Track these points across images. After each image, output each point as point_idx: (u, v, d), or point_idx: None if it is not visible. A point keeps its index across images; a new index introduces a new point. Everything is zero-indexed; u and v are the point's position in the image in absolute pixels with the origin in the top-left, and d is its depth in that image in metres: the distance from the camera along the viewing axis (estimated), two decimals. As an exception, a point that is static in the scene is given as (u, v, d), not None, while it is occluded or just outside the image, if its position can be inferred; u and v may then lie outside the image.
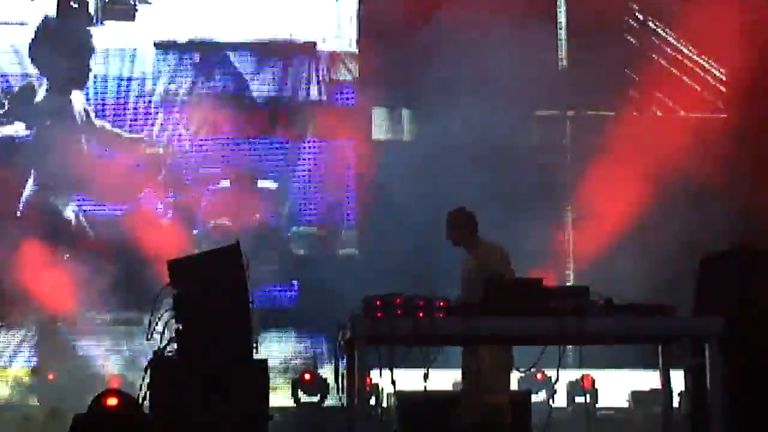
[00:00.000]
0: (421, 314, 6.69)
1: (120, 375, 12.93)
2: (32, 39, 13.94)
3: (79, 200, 13.81)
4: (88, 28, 13.97)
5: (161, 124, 14.10)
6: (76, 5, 13.87)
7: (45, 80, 13.97)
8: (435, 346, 7.18)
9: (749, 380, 7.35)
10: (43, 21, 13.94)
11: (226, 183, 14.08)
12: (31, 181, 13.74)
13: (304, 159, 14.04)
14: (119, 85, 14.11)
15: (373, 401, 11.40)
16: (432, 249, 12.65)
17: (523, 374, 8.99)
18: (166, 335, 7.55)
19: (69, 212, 13.80)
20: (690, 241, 11.34)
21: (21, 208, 13.71)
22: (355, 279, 12.44)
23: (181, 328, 7.52)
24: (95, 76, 14.10)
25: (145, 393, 7.47)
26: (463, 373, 8.74)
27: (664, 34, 14.06)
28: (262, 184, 14.04)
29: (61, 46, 13.83)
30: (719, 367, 6.80)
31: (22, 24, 14.07)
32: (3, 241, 13.06)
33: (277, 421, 7.93)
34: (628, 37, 14.07)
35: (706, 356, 6.83)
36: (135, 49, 14.11)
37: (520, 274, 8.38)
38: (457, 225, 8.82)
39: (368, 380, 10.11)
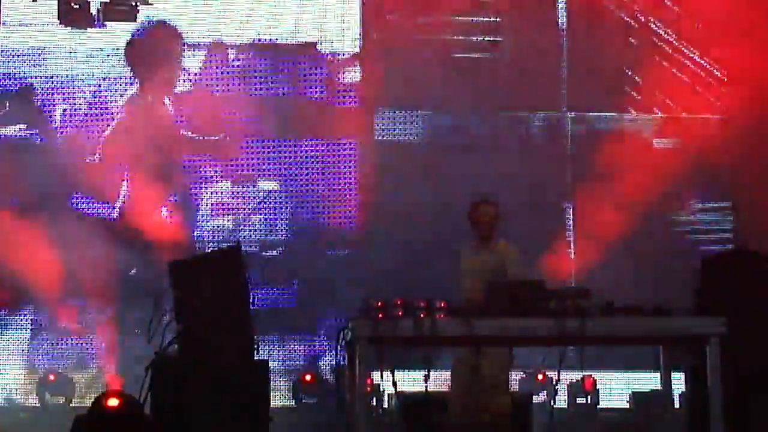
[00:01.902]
0: (421, 315, 6.70)
1: (121, 376, 12.93)
2: (129, 40, 13.96)
3: (77, 199, 13.80)
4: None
5: (162, 125, 14.09)
6: (77, 6, 13.86)
7: (137, 82, 14.00)
8: (436, 346, 7.19)
9: (749, 381, 7.36)
10: (141, 23, 13.96)
11: (227, 183, 14.07)
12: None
13: (305, 159, 14.03)
14: (119, 86, 14.11)
15: (374, 402, 11.40)
16: (433, 250, 12.68)
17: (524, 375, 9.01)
18: (167, 336, 7.56)
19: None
20: (690, 243, 11.34)
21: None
22: (356, 279, 12.45)
23: (182, 329, 7.53)
24: (96, 78, 14.11)
25: (146, 394, 7.48)
26: (454, 368, 8.65)
27: (664, 35, 14.06)
28: (263, 184, 14.04)
29: (156, 49, 13.84)
30: (719, 368, 6.81)
31: (22, 25, 14.08)
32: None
33: (278, 422, 7.92)
34: (630, 39, 14.06)
35: (707, 357, 6.83)
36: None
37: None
38: (498, 215, 8.78)
39: (369, 381, 10.12)
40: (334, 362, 7.21)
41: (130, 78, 14.07)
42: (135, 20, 13.95)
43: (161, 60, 13.93)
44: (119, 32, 14.00)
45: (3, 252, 12.85)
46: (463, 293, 8.36)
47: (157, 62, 13.91)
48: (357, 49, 14.06)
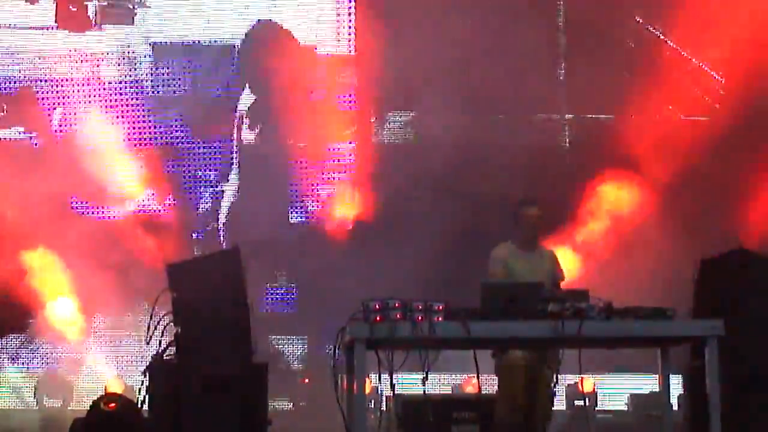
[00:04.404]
0: (419, 318, 6.70)
1: (119, 378, 12.92)
2: (243, 41, 13.95)
3: (76, 201, 13.79)
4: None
5: (161, 127, 14.08)
6: (74, 9, 13.86)
7: (246, 84, 14.00)
8: (434, 349, 7.18)
9: (748, 383, 7.36)
10: (256, 25, 13.97)
11: (225, 185, 14.07)
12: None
13: (303, 161, 14.03)
14: (118, 88, 14.11)
15: (372, 405, 11.39)
16: (433, 252, 12.68)
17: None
18: (165, 339, 7.55)
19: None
20: (689, 244, 11.33)
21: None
22: (355, 282, 12.44)
23: (179, 331, 7.53)
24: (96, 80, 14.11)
25: (144, 396, 7.47)
26: (507, 369, 8.56)
27: (662, 38, 14.06)
28: (262, 185, 14.04)
29: (269, 51, 13.84)
30: (718, 370, 6.80)
31: (22, 27, 14.08)
32: None
33: (276, 426, 7.92)
34: (629, 42, 14.06)
35: (705, 359, 6.83)
36: (134, 52, 14.11)
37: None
38: (543, 216, 8.77)
39: (367, 384, 10.11)
40: (332, 365, 7.17)
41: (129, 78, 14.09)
42: (132, 23, 13.95)
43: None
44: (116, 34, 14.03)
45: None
46: None
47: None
48: (352, 52, 14.06)
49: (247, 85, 14.05)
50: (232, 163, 14.08)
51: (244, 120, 14.01)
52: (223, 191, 14.06)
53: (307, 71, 13.87)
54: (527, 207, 8.75)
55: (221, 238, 13.94)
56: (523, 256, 8.67)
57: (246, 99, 14.07)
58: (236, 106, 14.09)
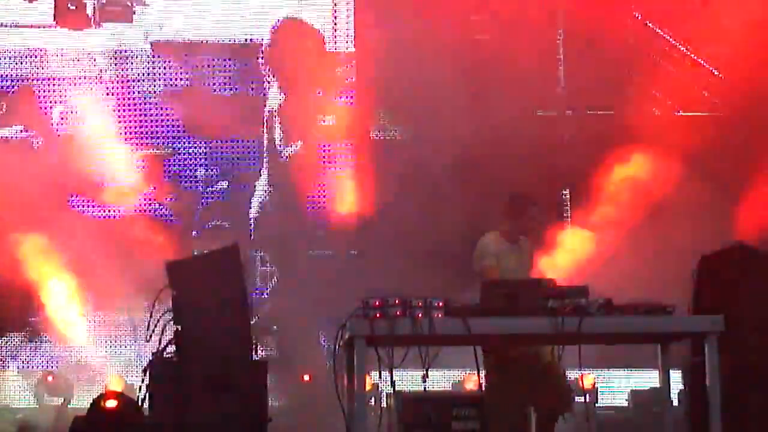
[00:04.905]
0: (419, 315, 6.70)
1: (119, 377, 12.92)
2: (269, 40, 13.94)
3: (75, 199, 13.80)
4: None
5: (159, 126, 14.08)
6: (73, 7, 13.85)
7: (275, 82, 13.98)
8: (434, 346, 7.18)
9: (748, 379, 7.36)
10: (281, 23, 13.96)
11: (224, 184, 14.07)
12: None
13: (303, 159, 14.03)
14: (117, 86, 14.10)
15: (372, 402, 11.39)
16: (432, 250, 12.68)
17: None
18: (165, 337, 7.56)
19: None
20: (688, 240, 11.32)
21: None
22: (354, 279, 12.44)
23: (180, 329, 7.53)
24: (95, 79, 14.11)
25: (145, 395, 7.47)
26: (515, 361, 8.45)
27: (662, 33, 14.05)
28: (261, 184, 14.03)
29: (298, 48, 13.83)
30: (718, 366, 6.81)
31: (19, 26, 14.07)
32: None
33: (276, 423, 7.92)
34: (628, 38, 14.06)
35: (705, 355, 6.83)
36: (132, 51, 14.11)
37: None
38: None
39: (367, 381, 10.11)
40: (332, 362, 7.18)
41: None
42: (131, 21, 13.95)
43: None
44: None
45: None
46: None
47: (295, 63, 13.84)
48: (352, 49, 14.06)
49: (276, 83, 14.00)
50: (232, 162, 14.09)
51: (275, 118, 13.97)
52: (223, 189, 14.06)
53: (327, 69, 13.88)
54: (533, 207, 8.72)
55: (251, 233, 13.92)
56: (510, 248, 8.63)
57: (275, 98, 14.02)
58: (236, 104, 14.09)
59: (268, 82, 14.03)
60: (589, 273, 12.05)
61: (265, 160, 14.01)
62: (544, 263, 11.70)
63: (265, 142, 14.00)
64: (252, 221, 13.94)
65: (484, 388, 8.42)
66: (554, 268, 12.07)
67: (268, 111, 13.99)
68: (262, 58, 14.00)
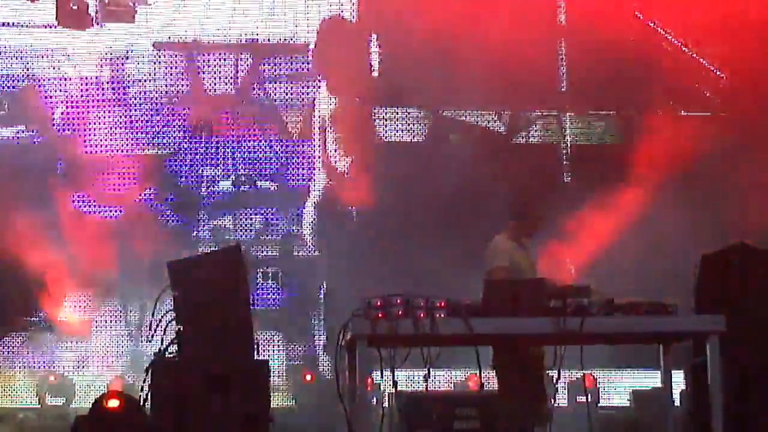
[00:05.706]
0: (421, 314, 6.69)
1: (121, 377, 12.93)
2: (317, 40, 13.92)
3: (76, 200, 13.80)
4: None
5: (160, 125, 14.10)
6: (75, 7, 13.86)
7: (324, 82, 13.95)
8: (436, 346, 7.18)
9: (750, 379, 7.35)
10: (329, 21, 13.95)
11: (226, 183, 14.07)
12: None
13: (301, 160, 14.04)
14: (118, 87, 14.11)
15: (374, 402, 11.39)
16: (431, 250, 12.68)
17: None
18: (167, 337, 7.56)
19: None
20: (690, 240, 11.32)
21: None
22: (356, 279, 12.45)
23: (181, 329, 7.53)
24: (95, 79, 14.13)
25: (147, 395, 7.47)
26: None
27: (664, 33, 14.05)
28: (262, 184, 14.04)
29: (344, 48, 13.82)
30: (720, 365, 6.80)
31: (21, 26, 14.09)
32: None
33: (279, 423, 7.91)
34: (629, 37, 14.06)
35: (707, 355, 6.83)
36: (134, 51, 14.12)
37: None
38: None
39: (369, 381, 10.10)
40: (334, 362, 7.18)
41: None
42: (133, 21, 13.95)
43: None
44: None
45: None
46: None
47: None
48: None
49: (325, 86, 13.97)
50: (233, 161, 14.09)
51: (328, 120, 13.95)
52: (224, 189, 14.07)
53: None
54: (537, 205, 8.74)
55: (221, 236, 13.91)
56: (520, 249, 8.65)
57: (325, 99, 14.00)
58: (237, 104, 14.10)
59: (317, 87, 13.99)
60: (589, 272, 12.08)
61: (318, 162, 13.98)
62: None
63: (317, 143, 13.97)
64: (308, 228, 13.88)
65: (497, 387, 8.42)
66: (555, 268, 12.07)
67: (319, 114, 13.96)
68: (309, 62, 13.97)
